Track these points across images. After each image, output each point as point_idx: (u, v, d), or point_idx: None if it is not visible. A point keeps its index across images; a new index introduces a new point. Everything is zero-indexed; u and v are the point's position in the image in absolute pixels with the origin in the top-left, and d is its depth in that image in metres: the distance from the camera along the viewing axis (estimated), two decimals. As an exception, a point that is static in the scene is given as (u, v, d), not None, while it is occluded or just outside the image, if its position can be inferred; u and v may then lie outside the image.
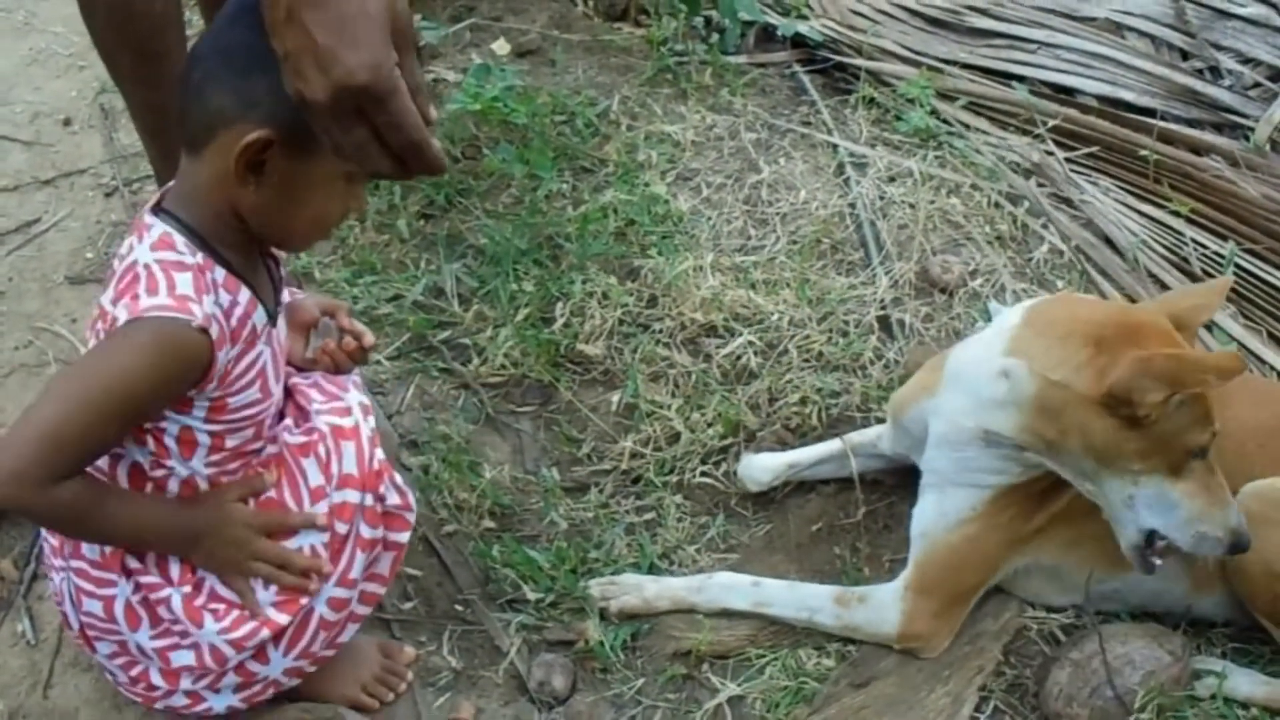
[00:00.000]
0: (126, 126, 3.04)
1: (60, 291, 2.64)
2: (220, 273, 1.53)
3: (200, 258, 1.52)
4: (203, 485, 1.63)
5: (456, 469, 2.21)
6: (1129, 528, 1.86)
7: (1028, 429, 1.86)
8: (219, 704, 1.76)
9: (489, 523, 2.17)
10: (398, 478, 1.71)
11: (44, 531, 1.72)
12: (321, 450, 1.66)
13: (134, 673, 1.76)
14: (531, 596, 2.05)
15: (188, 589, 1.65)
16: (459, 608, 2.07)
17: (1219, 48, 3.59)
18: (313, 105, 1.27)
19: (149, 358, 1.47)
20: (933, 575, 1.97)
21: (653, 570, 2.12)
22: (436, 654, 2.01)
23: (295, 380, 1.77)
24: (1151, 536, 1.85)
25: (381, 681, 1.91)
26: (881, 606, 1.97)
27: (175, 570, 1.66)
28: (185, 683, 1.73)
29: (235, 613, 1.64)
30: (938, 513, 1.99)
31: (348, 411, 1.70)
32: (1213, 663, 1.98)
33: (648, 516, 2.23)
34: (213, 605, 1.64)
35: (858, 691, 1.92)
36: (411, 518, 1.75)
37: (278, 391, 1.67)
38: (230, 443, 1.61)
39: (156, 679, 1.74)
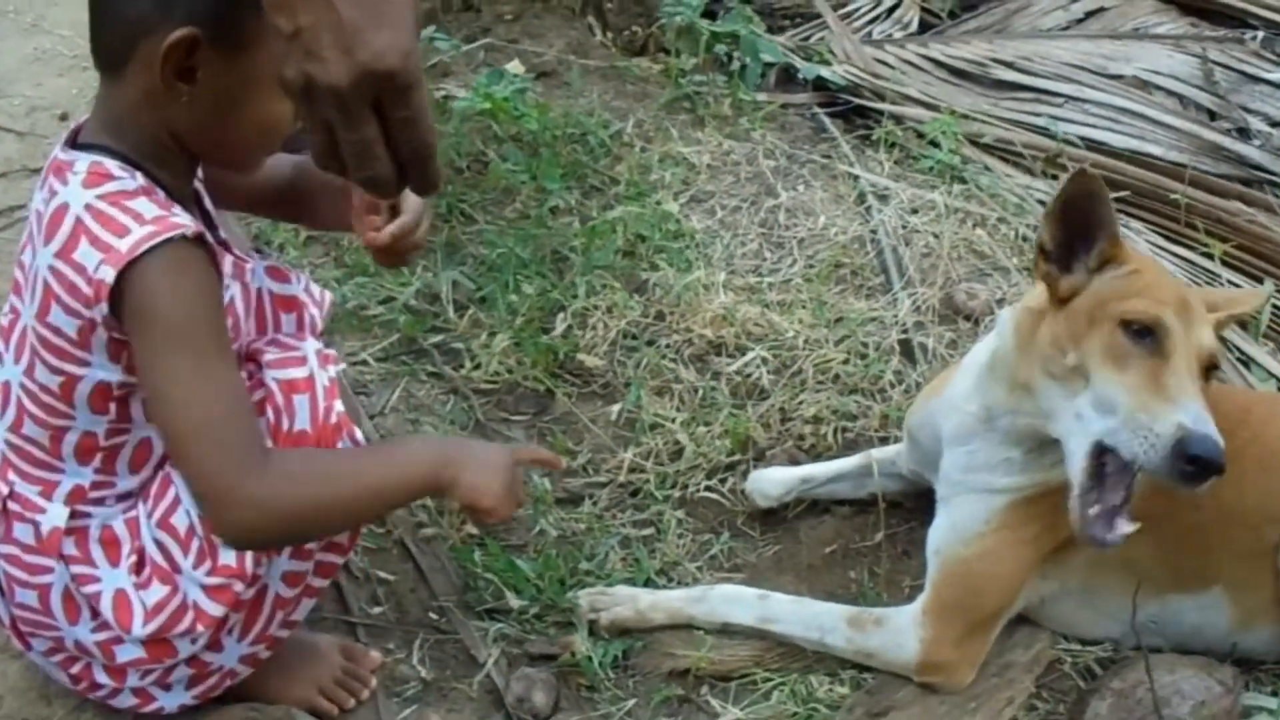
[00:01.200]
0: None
1: None
2: (160, 193, 1.35)
3: (141, 179, 1.34)
4: (159, 449, 1.43)
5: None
6: (1075, 451, 1.60)
7: (1012, 381, 1.71)
8: (170, 702, 1.56)
9: (471, 528, 1.94)
10: (358, 432, 1.48)
11: None
12: (269, 412, 1.42)
13: (74, 670, 1.55)
14: (514, 605, 1.83)
15: (126, 576, 1.42)
16: (433, 615, 1.84)
17: (1247, 110, 3.45)
18: (325, 90, 1.07)
19: (186, 279, 1.30)
20: (951, 597, 1.75)
21: (649, 586, 1.89)
22: (405, 662, 1.78)
23: (250, 341, 1.54)
24: (1101, 464, 1.58)
25: (341, 685, 1.68)
26: (899, 632, 1.75)
27: (121, 550, 1.43)
28: (132, 679, 1.53)
29: (168, 610, 1.41)
30: (950, 526, 1.79)
31: (302, 361, 1.46)
32: (1264, 700, 1.73)
33: (646, 531, 2.01)
34: (146, 594, 1.41)
35: (875, 721, 1.67)
36: None
37: (242, 339, 1.47)
38: None
39: (101, 676, 1.54)
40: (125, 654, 1.49)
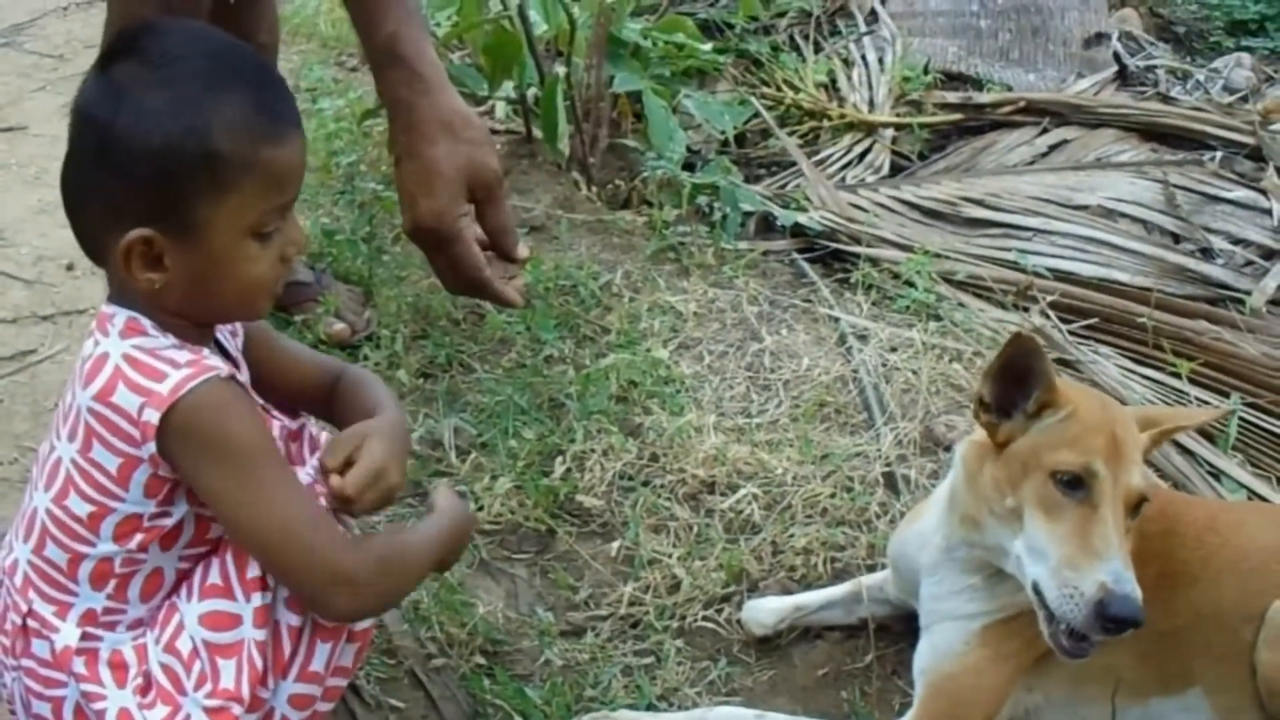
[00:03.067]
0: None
1: (50, 417, 2.60)
2: (191, 347, 1.51)
3: (172, 338, 1.50)
4: (169, 577, 1.56)
5: (448, 606, 2.14)
6: (1027, 590, 1.75)
7: (964, 514, 1.86)
8: None
9: (479, 659, 2.09)
10: None
11: (0, 621, 1.62)
12: None
13: None
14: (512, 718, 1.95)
15: (131, 696, 1.55)
16: (436, 735, 1.96)
17: (1210, 230, 3.67)
18: (406, 233, 1.72)
19: (231, 408, 1.46)
20: (938, 711, 1.89)
21: (651, 711, 2.02)
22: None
23: None
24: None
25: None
26: (889, 746, 1.87)
27: (128, 674, 1.56)
28: None
29: None
30: (931, 648, 1.94)
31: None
32: (1247, 801, 1.85)
33: (646, 659, 2.14)
34: (150, 714, 1.54)
35: (869, 831, 1.80)
36: None
37: None
38: (212, 533, 1.55)
39: None
40: None
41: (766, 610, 2.18)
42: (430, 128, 1.80)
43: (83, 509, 1.50)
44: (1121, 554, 1.67)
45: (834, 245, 3.45)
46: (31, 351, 2.85)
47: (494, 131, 3.75)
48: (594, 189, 3.53)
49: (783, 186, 3.83)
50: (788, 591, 2.27)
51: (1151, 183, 3.85)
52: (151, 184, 1.42)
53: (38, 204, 3.43)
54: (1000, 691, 1.87)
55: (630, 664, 2.12)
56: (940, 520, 1.94)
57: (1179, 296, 3.32)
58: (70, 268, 3.16)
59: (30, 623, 1.55)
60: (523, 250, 1.87)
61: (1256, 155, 4.08)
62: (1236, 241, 3.64)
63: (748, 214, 3.53)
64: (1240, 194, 3.82)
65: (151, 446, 1.44)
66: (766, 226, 3.58)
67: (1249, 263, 3.54)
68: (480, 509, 2.39)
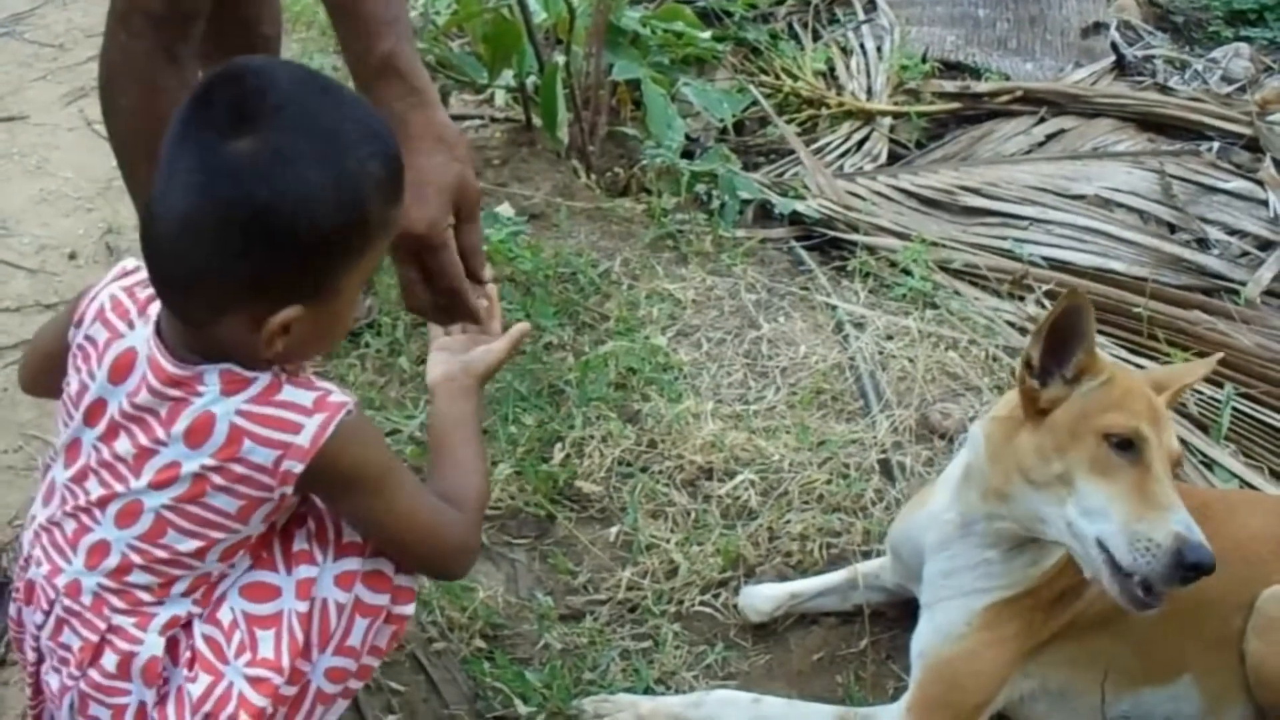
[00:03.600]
0: (131, 265, 3.14)
1: (54, 405, 2.62)
2: (283, 374, 1.49)
3: (264, 375, 1.46)
4: (217, 583, 1.58)
5: (448, 590, 2.18)
6: (1087, 549, 1.77)
7: (986, 488, 1.89)
8: None
9: (480, 642, 2.13)
10: None
11: (54, 636, 1.64)
12: (310, 522, 1.60)
13: None
14: (523, 713, 2.00)
15: (181, 671, 1.58)
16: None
17: (1206, 220, 3.71)
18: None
19: (363, 439, 1.50)
20: (934, 694, 1.92)
21: (649, 691, 2.06)
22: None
23: None
24: (1111, 556, 1.75)
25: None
26: (885, 728, 1.91)
27: (180, 645, 1.59)
28: None
29: (214, 697, 1.57)
30: (933, 629, 1.97)
31: None
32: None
33: (644, 644, 2.19)
34: (194, 687, 1.57)
35: (863, 812, 1.84)
36: (416, 586, 1.69)
37: None
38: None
39: None
40: None
41: (763, 597, 2.21)
42: (426, 141, 1.83)
43: (188, 545, 1.50)
44: (1183, 505, 1.71)
45: (831, 233, 3.48)
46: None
47: (493, 119, 3.79)
48: (593, 177, 3.55)
49: (781, 175, 3.87)
50: (784, 577, 2.30)
51: (1148, 173, 3.88)
52: (311, 259, 1.41)
53: (39, 193, 3.45)
54: (998, 677, 1.90)
55: (628, 648, 2.16)
56: (953, 499, 1.97)
57: (1175, 286, 3.36)
58: (72, 256, 3.19)
59: (111, 637, 1.54)
60: (488, 272, 1.89)
61: (1254, 146, 4.11)
62: (1233, 232, 3.68)
63: (746, 202, 3.56)
64: (1237, 184, 3.86)
65: (288, 489, 1.45)
66: (764, 214, 3.61)
67: (1245, 253, 3.58)
68: (480, 494, 2.42)
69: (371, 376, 2.72)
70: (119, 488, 1.50)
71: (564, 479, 2.46)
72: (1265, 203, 3.79)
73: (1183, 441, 2.63)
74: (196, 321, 1.45)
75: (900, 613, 2.21)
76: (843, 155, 4.04)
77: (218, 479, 1.45)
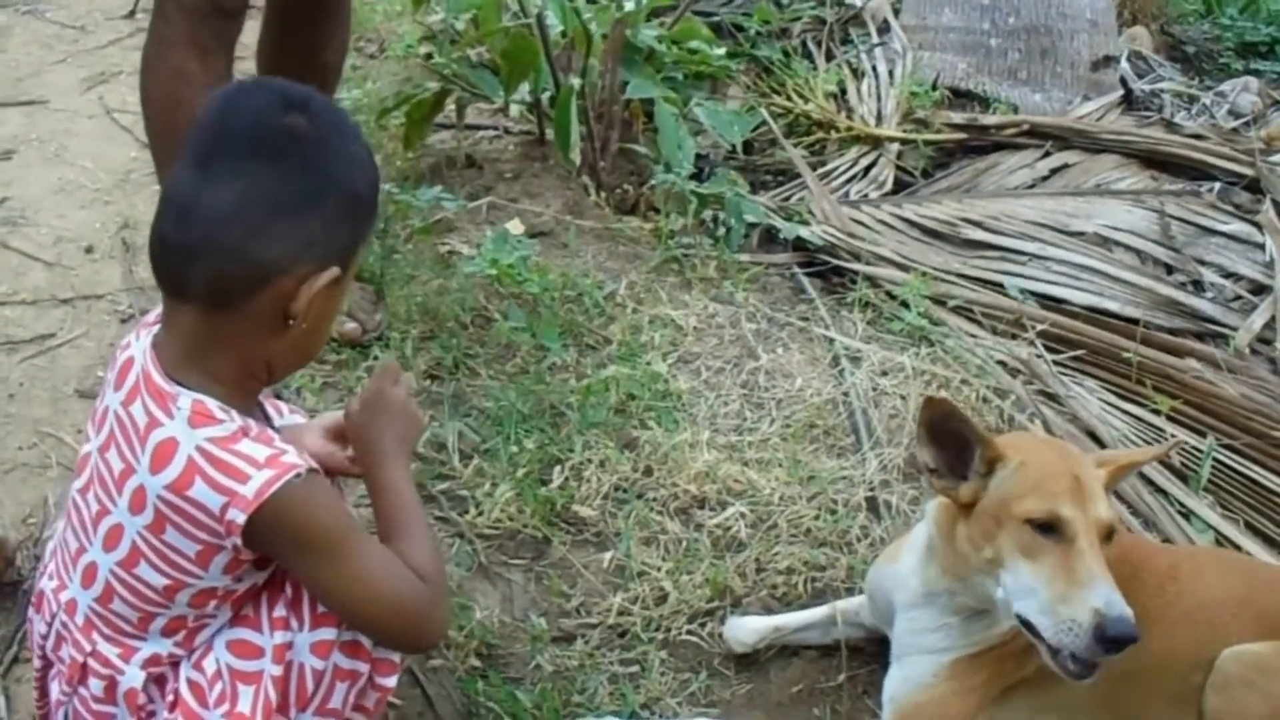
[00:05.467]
0: (147, 263, 3.23)
1: (69, 402, 2.81)
2: (253, 425, 1.60)
3: (237, 418, 1.57)
4: (197, 630, 1.69)
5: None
6: (1021, 627, 1.90)
7: (942, 564, 2.02)
8: None
9: (475, 661, 2.26)
10: None
11: (54, 649, 1.74)
12: (288, 588, 1.69)
13: None
14: (513, 740, 2.13)
15: (165, 713, 1.70)
16: (427, 736, 2.14)
17: (1202, 262, 3.84)
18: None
19: (313, 501, 1.56)
20: (905, 736, 2.05)
21: (633, 719, 2.19)
22: (416, 791, 2.07)
23: None
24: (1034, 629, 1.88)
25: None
26: (856, 765, 2.05)
27: (166, 686, 1.70)
28: None
29: None
30: (902, 678, 2.11)
31: None
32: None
33: (632, 669, 2.32)
34: None
35: (830, 842, 1.98)
36: (398, 658, 1.77)
37: None
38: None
39: None
40: None
41: (747, 630, 2.35)
42: None
43: (157, 580, 1.60)
44: (1106, 579, 1.83)
45: (834, 261, 3.61)
46: (50, 335, 3.00)
47: (507, 130, 3.92)
48: (603, 195, 3.68)
49: (787, 198, 4.00)
50: (769, 609, 2.44)
51: (1148, 212, 4.01)
52: (347, 225, 1.57)
53: (57, 182, 3.56)
54: (962, 720, 2.05)
55: (617, 672, 2.30)
56: (919, 566, 2.10)
57: (1167, 330, 3.50)
58: (89, 250, 3.31)
59: (91, 662, 1.67)
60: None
61: (1255, 187, 4.26)
62: (1228, 275, 3.82)
63: (751, 225, 3.68)
64: (1235, 227, 3.99)
65: (237, 539, 1.54)
66: (769, 238, 3.74)
67: (1238, 297, 3.71)
68: (481, 514, 2.55)
69: (379, 390, 2.84)
70: (109, 505, 1.61)
71: (561, 502, 2.60)
72: (1262, 246, 3.92)
73: (1162, 491, 2.79)
74: (226, 298, 1.54)
75: (877, 649, 2.34)
76: (849, 180, 4.17)
77: (171, 514, 1.55)
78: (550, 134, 3.70)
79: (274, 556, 1.62)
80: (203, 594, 1.63)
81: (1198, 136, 4.54)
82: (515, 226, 3.42)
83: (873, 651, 2.36)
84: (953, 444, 1.96)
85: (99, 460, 1.64)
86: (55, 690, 1.75)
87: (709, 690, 2.30)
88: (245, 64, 3.03)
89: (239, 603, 1.68)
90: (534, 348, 2.98)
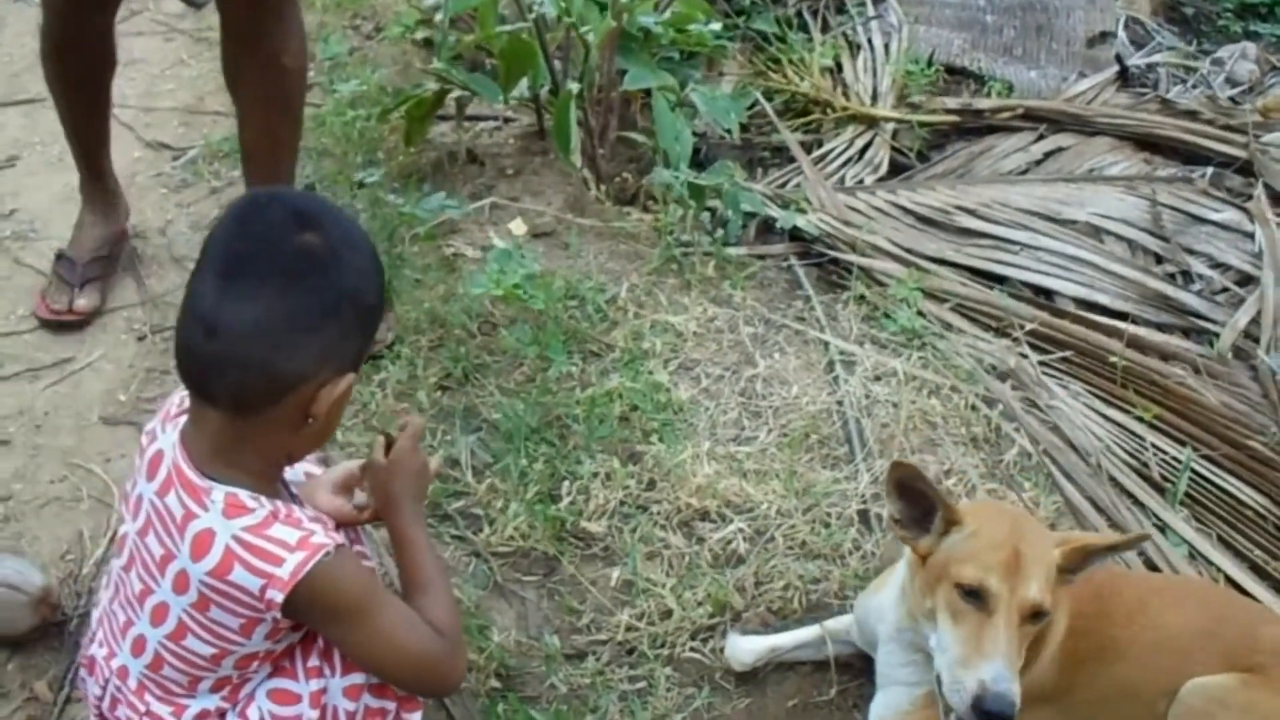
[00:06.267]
0: (158, 273, 3.51)
1: (94, 430, 3.04)
2: (280, 507, 1.84)
3: (266, 504, 1.82)
4: (240, 685, 1.95)
5: (468, 632, 2.57)
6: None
7: (908, 606, 2.27)
8: None
9: (494, 682, 2.53)
10: None
11: (110, 710, 2.01)
12: (320, 640, 1.96)
13: None
14: (531, 748, 2.40)
15: None
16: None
17: (1191, 252, 4.06)
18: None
19: (343, 576, 1.82)
20: (887, 756, 2.33)
21: (643, 734, 2.47)
22: (443, 803, 2.35)
23: None
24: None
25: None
26: (844, 781, 2.33)
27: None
28: None
29: None
30: (883, 703, 2.38)
31: None
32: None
33: (639, 685, 2.59)
34: None
35: None
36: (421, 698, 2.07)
37: None
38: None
39: None
40: None
41: (745, 650, 2.61)
42: None
43: (205, 650, 1.87)
44: (1005, 656, 2.06)
45: (830, 253, 3.83)
46: (69, 359, 3.21)
47: (507, 120, 4.11)
48: (603, 187, 3.88)
49: (784, 184, 4.20)
50: (766, 624, 2.70)
51: (1140, 199, 4.23)
52: (359, 334, 1.80)
53: (63, 190, 3.68)
54: (941, 746, 2.32)
55: (626, 690, 2.57)
56: (894, 603, 2.36)
57: (1154, 324, 3.74)
58: (100, 262, 3.49)
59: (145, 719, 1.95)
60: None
61: (1248, 170, 4.47)
62: (1216, 265, 4.05)
63: (749, 215, 3.89)
64: (1226, 215, 4.22)
65: (276, 614, 1.80)
66: (766, 228, 3.95)
67: (1225, 289, 3.95)
68: (495, 532, 2.81)
69: (392, 404, 3.08)
70: (153, 585, 1.88)
71: (570, 520, 2.84)
72: (1251, 235, 4.15)
73: (1139, 505, 3.05)
74: (252, 405, 1.78)
75: (865, 664, 2.60)
76: (845, 164, 4.37)
77: (214, 596, 1.81)
78: (549, 124, 3.89)
79: (308, 624, 1.89)
80: (246, 658, 1.90)
81: (1192, 114, 4.73)
82: (518, 227, 3.63)
83: (860, 667, 2.62)
84: (920, 501, 2.21)
85: (138, 542, 1.89)
86: None
87: (711, 706, 2.57)
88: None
89: (278, 660, 1.95)
90: (539, 356, 3.20)
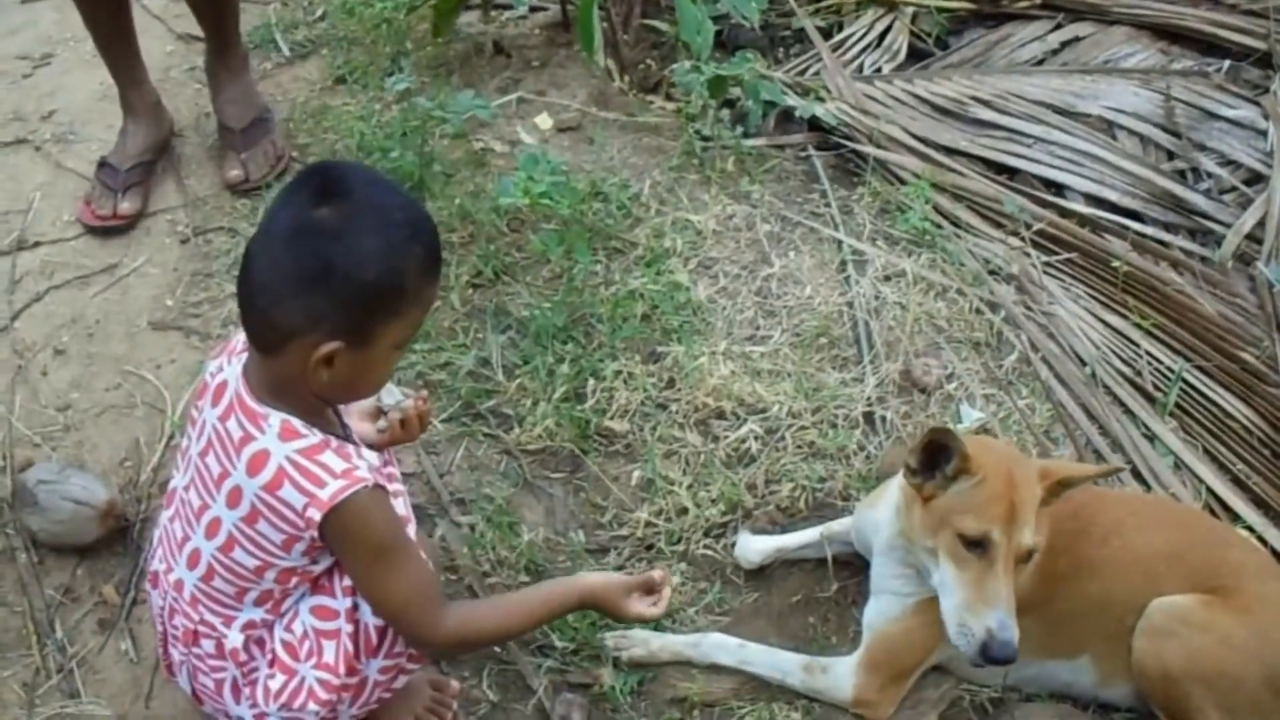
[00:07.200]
0: (197, 172, 3.65)
1: (145, 336, 3.24)
2: (333, 440, 2.08)
3: (318, 434, 2.06)
4: (282, 600, 2.21)
5: (499, 528, 2.82)
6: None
7: (901, 531, 2.49)
8: None
9: (525, 577, 2.78)
10: (411, 529, 2.24)
11: (169, 619, 2.27)
12: None
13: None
14: (558, 644, 2.67)
15: (266, 668, 2.23)
16: (497, 649, 2.67)
17: (1203, 148, 4.19)
18: None
19: (373, 514, 2.05)
20: (878, 656, 2.60)
21: (658, 629, 2.72)
22: (477, 688, 2.63)
23: None
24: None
25: (432, 711, 2.51)
26: (839, 677, 2.60)
27: (265, 646, 2.23)
28: None
29: (289, 690, 2.21)
30: (876, 611, 2.62)
31: None
32: (1113, 743, 2.60)
33: (658, 580, 2.83)
34: (273, 682, 2.22)
35: (818, 743, 2.55)
36: None
37: None
38: None
39: None
40: None
41: (753, 550, 2.85)
42: None
43: (249, 561, 2.11)
44: (1007, 605, 2.31)
45: (847, 144, 3.98)
46: (116, 265, 3.38)
47: (533, 8, 4.22)
48: (626, 75, 4.02)
49: (803, 71, 4.32)
50: (774, 522, 2.93)
51: (1154, 94, 4.33)
52: (355, 308, 1.96)
53: (100, 88, 3.79)
54: (927, 648, 2.56)
55: (645, 585, 2.82)
56: (888, 520, 2.57)
57: (1161, 223, 3.91)
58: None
59: (201, 628, 2.20)
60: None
61: (1266, 62, 4.54)
62: (1226, 163, 4.18)
63: (769, 105, 4.03)
64: (1241, 112, 4.31)
65: (314, 532, 2.04)
66: (785, 118, 4.09)
67: (1234, 188, 4.08)
68: (524, 431, 3.03)
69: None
70: (209, 501, 2.13)
71: (594, 420, 3.06)
72: (1265, 133, 4.25)
73: (1129, 413, 3.27)
74: (267, 346, 2.03)
75: (864, 564, 2.82)
76: (864, 50, 4.47)
77: (263, 509, 2.06)
78: (574, 13, 4.00)
79: (334, 551, 2.12)
80: (285, 572, 2.15)
81: (1213, 0, 4.81)
82: (544, 121, 3.78)
83: (859, 566, 2.84)
84: (936, 451, 2.40)
85: (199, 463, 2.14)
86: (175, 654, 2.29)
87: (722, 601, 2.83)
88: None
89: (317, 579, 2.20)
90: (566, 256, 3.38)
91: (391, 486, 2.18)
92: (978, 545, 2.34)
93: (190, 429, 2.20)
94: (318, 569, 2.17)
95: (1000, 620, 2.30)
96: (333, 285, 1.95)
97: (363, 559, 2.10)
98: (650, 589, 2.35)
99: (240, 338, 2.14)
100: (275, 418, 2.04)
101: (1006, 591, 2.32)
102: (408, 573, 2.12)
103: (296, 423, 2.05)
